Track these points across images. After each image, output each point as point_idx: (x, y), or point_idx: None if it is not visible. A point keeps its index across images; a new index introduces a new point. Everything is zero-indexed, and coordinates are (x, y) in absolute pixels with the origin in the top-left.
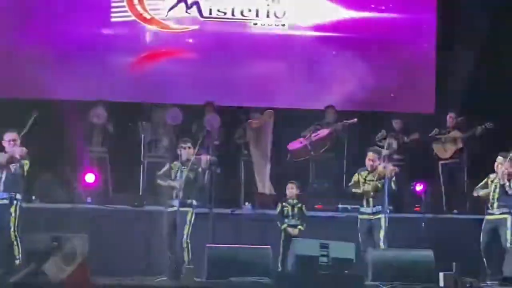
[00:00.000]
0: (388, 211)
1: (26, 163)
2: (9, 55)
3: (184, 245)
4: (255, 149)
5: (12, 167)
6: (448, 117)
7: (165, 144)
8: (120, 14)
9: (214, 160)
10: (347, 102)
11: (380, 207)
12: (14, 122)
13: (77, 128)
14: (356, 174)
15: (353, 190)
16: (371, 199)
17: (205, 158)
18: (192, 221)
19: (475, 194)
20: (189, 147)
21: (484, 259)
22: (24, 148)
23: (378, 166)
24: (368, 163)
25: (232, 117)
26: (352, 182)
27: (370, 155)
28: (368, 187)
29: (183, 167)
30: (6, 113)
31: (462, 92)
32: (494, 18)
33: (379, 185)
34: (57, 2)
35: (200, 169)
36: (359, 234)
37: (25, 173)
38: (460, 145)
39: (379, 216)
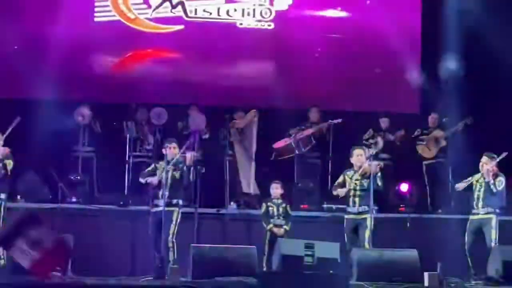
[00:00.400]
0: (374, 210)
1: (10, 163)
2: None
3: (170, 244)
4: (239, 149)
5: None
6: (430, 117)
7: (150, 144)
8: (104, 13)
9: (198, 158)
10: (332, 101)
11: (366, 207)
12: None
13: (62, 127)
14: (342, 175)
15: (333, 191)
16: (357, 199)
17: (189, 156)
18: (178, 221)
19: (457, 186)
20: (174, 147)
21: (469, 259)
22: (6, 148)
23: (364, 164)
24: (357, 159)
25: (216, 117)
26: (336, 183)
27: (358, 151)
28: (354, 186)
29: (169, 166)
30: None
31: (447, 92)
32: (477, 19)
33: (365, 183)
34: (40, 2)
35: (185, 168)
36: (345, 233)
37: (9, 173)
38: (443, 143)
39: (365, 216)
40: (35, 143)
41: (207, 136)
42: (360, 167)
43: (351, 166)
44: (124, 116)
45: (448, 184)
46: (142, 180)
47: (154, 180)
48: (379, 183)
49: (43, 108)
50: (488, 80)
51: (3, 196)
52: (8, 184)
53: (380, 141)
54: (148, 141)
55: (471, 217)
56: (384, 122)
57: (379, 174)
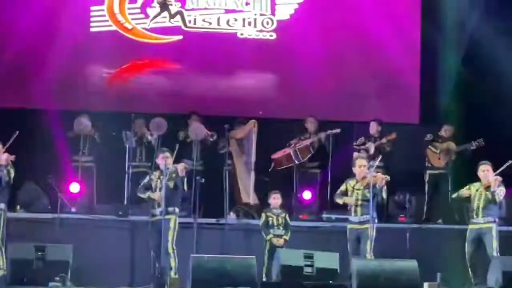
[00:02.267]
0: (375, 220)
1: (11, 171)
2: None
3: (170, 250)
4: (238, 159)
5: None
6: (443, 130)
7: (150, 154)
8: (100, 23)
9: (188, 169)
10: (331, 111)
11: (367, 216)
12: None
13: (61, 137)
14: (344, 184)
15: (337, 199)
16: (358, 208)
17: (181, 167)
18: (177, 228)
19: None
20: (167, 157)
21: (470, 269)
22: (9, 155)
23: (367, 175)
24: (359, 170)
25: (215, 127)
26: (339, 191)
27: (360, 161)
28: (356, 196)
29: (162, 176)
30: None
31: (447, 103)
32: (477, 28)
33: (367, 193)
34: (37, 13)
35: (178, 177)
36: (348, 243)
37: (11, 181)
38: (453, 157)
39: (367, 226)
40: (34, 153)
41: (215, 138)
42: (363, 177)
43: (351, 175)
44: (123, 126)
45: (448, 194)
46: (143, 196)
47: (155, 196)
48: (384, 196)
49: (43, 118)
50: (489, 88)
51: (2, 206)
52: (8, 194)
53: (371, 146)
54: (148, 151)
55: (470, 226)
56: (372, 127)
57: (385, 187)
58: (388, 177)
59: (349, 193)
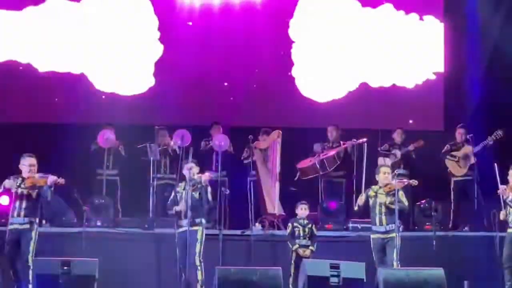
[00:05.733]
0: (400, 229)
1: (51, 191)
2: (17, 80)
3: (197, 263)
4: (263, 169)
5: (34, 192)
6: (457, 133)
7: (174, 165)
8: None
9: (213, 178)
10: (356, 120)
11: (392, 225)
12: (27, 146)
13: (86, 151)
14: (364, 193)
15: (359, 203)
16: (383, 217)
17: (205, 176)
18: (203, 240)
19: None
20: (191, 167)
21: (506, 272)
22: (56, 178)
23: (390, 182)
24: (383, 176)
25: (240, 137)
26: (358, 198)
27: (385, 168)
28: (380, 199)
29: (188, 187)
30: (19, 137)
31: (471, 109)
32: (501, 32)
33: (390, 199)
34: None
35: (202, 188)
36: (373, 253)
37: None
38: (472, 160)
39: (392, 235)
40: (59, 166)
41: (231, 149)
42: (386, 184)
43: (376, 184)
44: (147, 139)
45: (474, 201)
46: (171, 212)
47: (181, 207)
48: (404, 200)
49: (67, 132)
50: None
51: (37, 221)
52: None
53: (397, 153)
54: (172, 163)
55: (509, 230)
56: (397, 135)
57: (402, 193)
58: (411, 181)
59: (371, 198)
